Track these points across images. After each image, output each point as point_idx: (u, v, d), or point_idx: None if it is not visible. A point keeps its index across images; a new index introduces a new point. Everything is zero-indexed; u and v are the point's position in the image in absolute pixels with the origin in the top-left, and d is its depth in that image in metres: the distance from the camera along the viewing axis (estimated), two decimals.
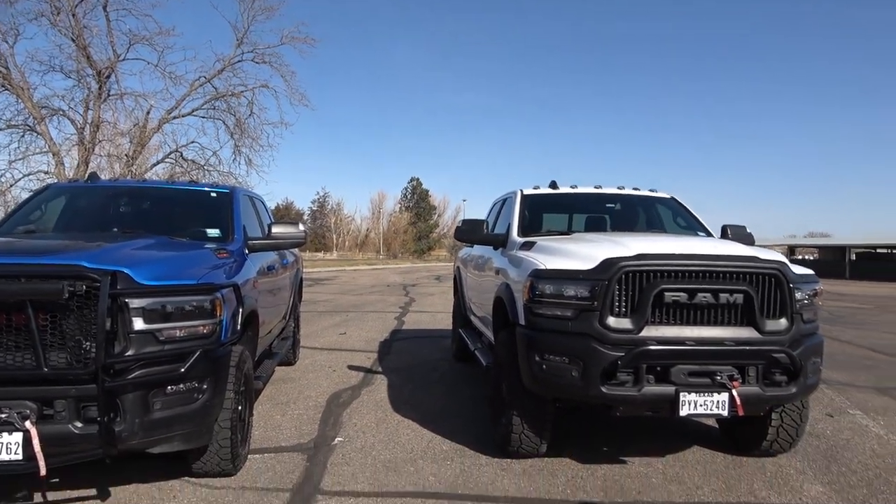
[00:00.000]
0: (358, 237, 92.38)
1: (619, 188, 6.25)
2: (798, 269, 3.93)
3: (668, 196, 6.19)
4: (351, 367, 7.36)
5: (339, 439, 4.71)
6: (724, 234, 5.32)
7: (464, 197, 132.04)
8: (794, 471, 4.18)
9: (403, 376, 6.97)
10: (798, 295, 3.76)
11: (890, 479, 4.03)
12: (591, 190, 6.22)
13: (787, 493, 3.81)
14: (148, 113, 20.99)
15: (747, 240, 5.07)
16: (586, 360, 3.67)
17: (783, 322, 3.70)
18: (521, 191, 6.08)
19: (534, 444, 4.14)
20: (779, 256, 3.91)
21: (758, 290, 3.67)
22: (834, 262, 48.95)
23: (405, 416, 5.33)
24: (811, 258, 58.90)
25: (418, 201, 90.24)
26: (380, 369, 7.38)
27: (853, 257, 48.73)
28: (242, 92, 21.94)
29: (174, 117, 21.65)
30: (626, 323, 3.67)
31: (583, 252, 4.02)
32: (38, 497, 3.52)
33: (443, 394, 6.18)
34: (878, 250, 52.02)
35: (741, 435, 4.45)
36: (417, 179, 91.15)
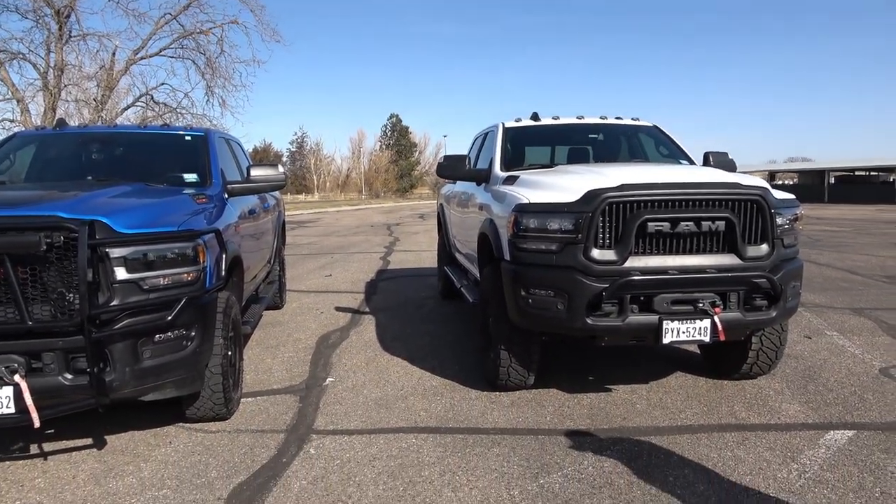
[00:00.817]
0: (339, 178, 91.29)
1: (601, 118, 6.16)
2: (779, 194, 3.94)
3: (650, 125, 6.12)
4: (338, 309, 7.40)
5: (331, 380, 4.78)
6: (707, 161, 5.30)
7: (445, 132, 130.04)
8: (773, 392, 4.33)
9: (391, 316, 7.04)
10: (779, 220, 3.79)
11: (864, 397, 4.19)
12: (574, 121, 6.12)
13: (766, 414, 3.95)
14: (114, 54, 20.22)
15: (729, 166, 5.06)
16: (571, 293, 3.70)
17: (764, 248, 3.74)
18: (503, 124, 5.98)
19: (521, 376, 4.22)
20: (761, 182, 3.91)
21: (740, 216, 3.68)
22: (813, 186, 49.44)
23: (394, 355, 5.40)
24: (791, 183, 59.44)
25: (398, 139, 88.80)
26: (367, 309, 7.44)
27: (832, 181, 49.20)
28: (211, 29, 21.14)
29: (141, 58, 20.89)
30: (610, 254, 3.69)
31: (566, 184, 3.99)
32: (34, 448, 3.56)
33: (430, 332, 6.26)
34: (857, 173, 52.56)
35: (722, 359, 4.58)
36: (397, 116, 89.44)
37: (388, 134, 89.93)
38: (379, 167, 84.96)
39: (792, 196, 4.05)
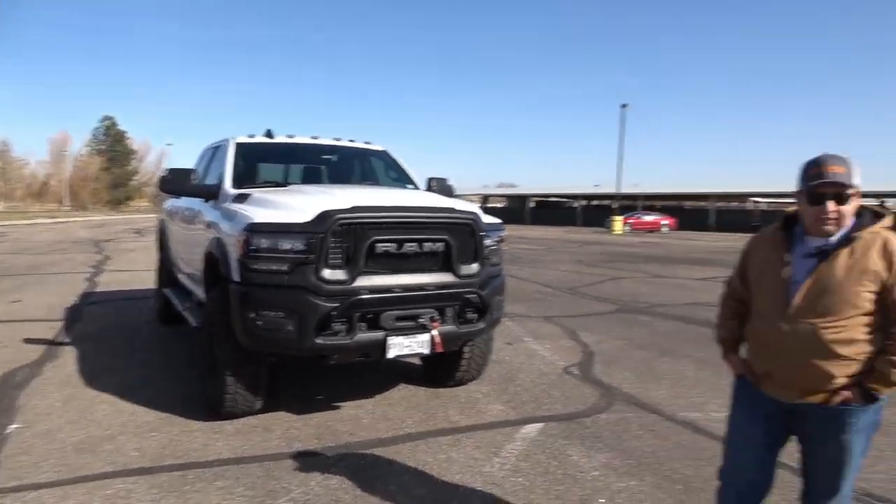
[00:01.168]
0: (34, 185, 77.66)
1: (335, 139, 6.30)
2: (487, 219, 4.48)
3: (381, 149, 6.44)
4: (28, 341, 6.27)
5: (16, 426, 4.03)
6: (430, 186, 5.77)
7: (168, 140, 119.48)
8: (480, 395, 4.87)
9: (98, 345, 6.21)
10: (487, 242, 4.30)
11: (551, 393, 4.95)
12: (308, 141, 6.15)
13: (475, 415, 4.42)
14: None
15: (448, 191, 5.59)
16: (302, 313, 3.71)
17: (475, 266, 4.20)
18: (234, 139, 5.74)
19: (249, 402, 4.08)
20: (472, 207, 4.41)
21: (455, 238, 4.09)
22: (517, 209, 57.01)
23: (101, 390, 4.77)
24: (501, 206, 67.75)
25: (113, 144, 79.04)
26: (67, 339, 6.44)
27: (532, 205, 57.29)
28: None
29: None
30: (340, 274, 3.78)
31: (299, 204, 3.99)
32: None
33: (146, 360, 5.68)
34: (551, 199, 62.13)
35: (439, 369, 5.01)
36: (112, 119, 79.65)
37: (101, 138, 79.49)
38: (87, 174, 74.50)
39: (498, 220, 4.64)
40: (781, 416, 2.18)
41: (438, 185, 5.70)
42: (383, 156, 6.38)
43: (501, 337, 6.83)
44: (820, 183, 2.00)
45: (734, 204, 55.92)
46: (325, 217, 3.75)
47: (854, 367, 2.03)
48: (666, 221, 42.20)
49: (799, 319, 2.05)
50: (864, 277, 1.99)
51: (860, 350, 2.03)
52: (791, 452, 2.35)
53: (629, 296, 10.26)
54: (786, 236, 2.17)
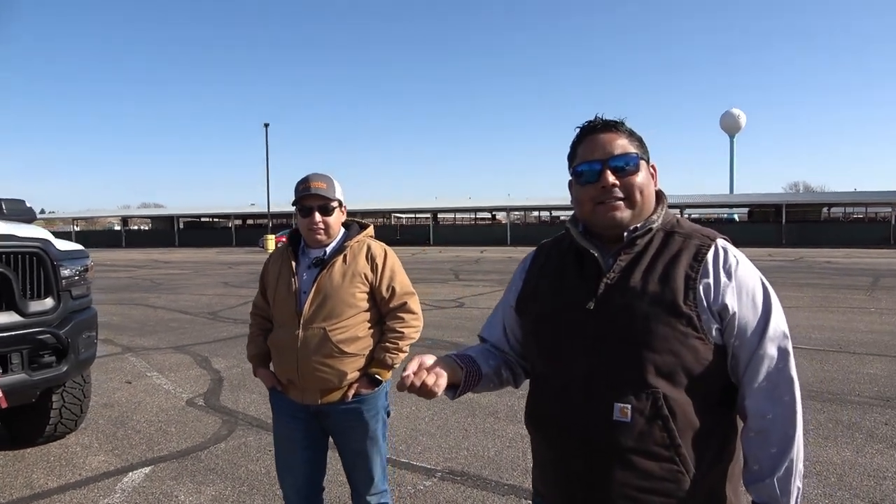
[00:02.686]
0: None
1: None
2: (65, 246, 3.88)
3: None
4: None
5: None
6: None
7: None
8: (80, 447, 4.19)
9: None
10: (65, 272, 3.71)
11: (168, 430, 4.53)
12: None
13: (68, 473, 3.77)
14: None
15: (28, 215, 4.69)
16: None
17: (49, 302, 3.59)
18: None
19: None
20: (42, 233, 3.75)
21: (16, 270, 3.42)
22: (165, 230, 52.40)
23: None
24: (146, 228, 61.41)
25: None
26: None
27: (181, 226, 53.31)
28: None
29: None
30: None
31: None
32: None
33: None
34: (202, 219, 58.72)
35: (23, 425, 4.16)
36: None
37: None
38: None
39: (79, 247, 4.04)
40: (312, 417, 2.34)
41: (10, 208, 4.74)
42: None
43: (120, 375, 6.08)
44: (306, 195, 2.23)
45: (380, 220, 61.01)
46: None
47: (361, 362, 2.30)
48: None
49: (310, 326, 2.24)
50: (357, 280, 2.27)
51: (365, 345, 2.30)
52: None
53: None
54: (293, 250, 2.36)
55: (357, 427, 2.30)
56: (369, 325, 2.31)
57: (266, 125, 38.00)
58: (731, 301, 1.20)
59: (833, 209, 47.95)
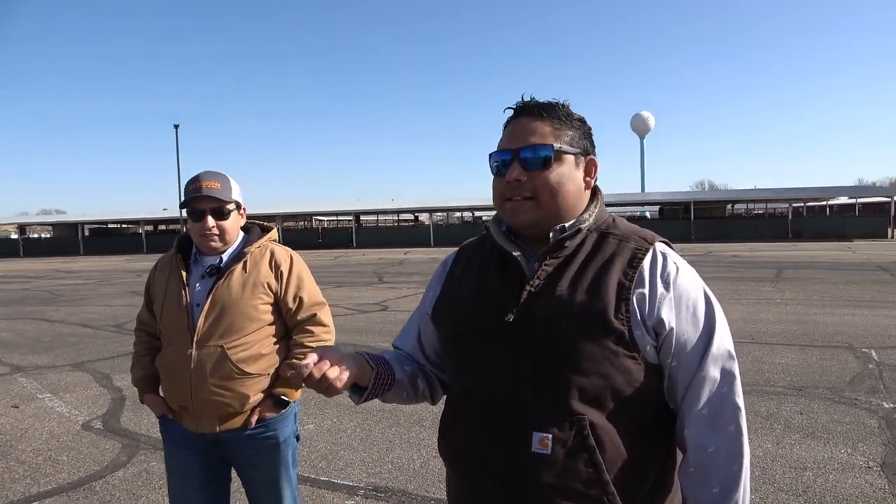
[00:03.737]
0: None
1: None
2: None
3: None
4: None
5: None
6: None
7: None
8: None
9: None
10: None
11: (59, 459, 4.08)
12: None
13: None
14: None
15: None
16: None
17: None
18: None
19: None
20: None
21: None
22: (69, 238, 49.03)
23: None
24: (47, 236, 57.28)
25: None
26: None
27: (86, 233, 50.07)
28: None
29: None
30: None
31: None
32: None
33: None
34: (110, 225, 55.39)
35: None
36: None
37: None
38: None
39: None
40: (210, 447, 2.06)
41: None
42: None
43: (6, 399, 5.50)
44: (196, 196, 1.97)
45: (301, 223, 59.51)
46: None
47: (265, 382, 2.04)
48: None
49: (205, 344, 1.97)
50: (259, 290, 2.02)
51: (269, 364, 2.05)
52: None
53: None
54: (183, 258, 2.09)
55: (263, 456, 2.05)
56: (274, 340, 2.06)
57: (176, 126, 36.11)
58: (668, 315, 1.05)
59: (736, 206, 50.92)
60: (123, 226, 55.61)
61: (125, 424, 4.76)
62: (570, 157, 1.14)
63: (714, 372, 1.06)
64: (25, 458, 4.12)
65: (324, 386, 1.05)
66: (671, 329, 1.05)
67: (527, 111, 1.16)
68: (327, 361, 1.06)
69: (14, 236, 52.78)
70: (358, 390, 1.18)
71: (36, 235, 59.16)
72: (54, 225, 55.97)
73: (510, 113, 1.19)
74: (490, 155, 1.17)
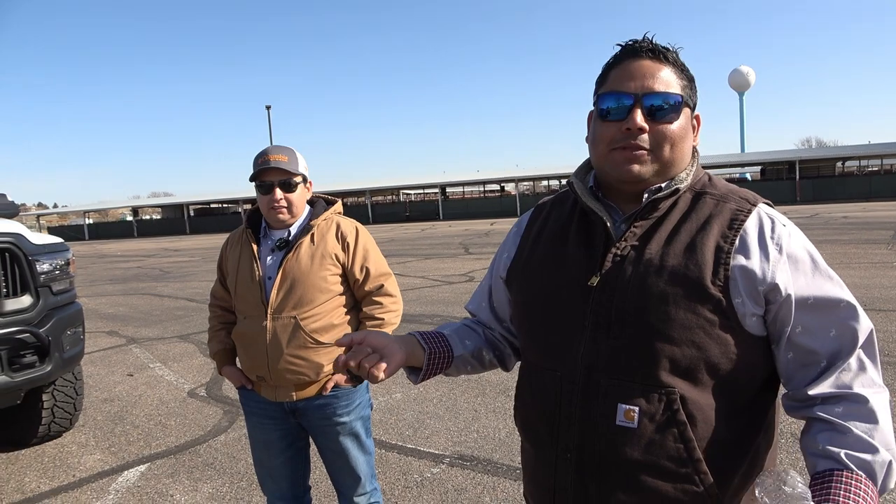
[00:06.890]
0: None
1: None
2: (41, 240, 3.68)
3: None
4: None
5: None
6: None
7: None
8: (76, 447, 4.05)
9: None
10: (44, 267, 3.52)
11: (167, 424, 4.38)
12: None
13: (62, 475, 3.63)
14: None
15: (8, 210, 4.50)
16: None
17: (27, 299, 3.41)
18: None
19: None
20: (14, 227, 3.56)
21: None
22: (176, 219, 52.49)
23: None
24: (157, 217, 61.55)
25: None
26: None
27: (192, 213, 53.37)
28: None
29: None
30: None
31: None
32: None
33: None
34: (212, 205, 58.74)
35: (15, 427, 4.02)
36: None
37: None
38: None
39: (58, 240, 3.84)
40: (289, 415, 2.12)
41: None
42: None
43: (123, 368, 5.95)
44: (265, 169, 1.98)
45: (389, 197, 60.64)
46: None
47: (338, 351, 2.04)
48: None
49: (279, 315, 2.00)
50: (327, 262, 2.02)
51: (341, 333, 2.05)
52: None
53: None
54: (253, 232, 2.11)
55: (335, 424, 2.08)
56: (345, 310, 2.08)
57: (268, 107, 37.54)
58: (785, 280, 0.93)
59: (848, 163, 46.88)
60: (224, 205, 58.82)
61: (227, 392, 5.04)
62: (688, 111, 1.03)
63: (848, 333, 0.94)
64: (139, 422, 4.46)
65: (363, 374, 1.02)
66: (788, 295, 0.93)
67: (648, 52, 1.01)
68: (368, 349, 1.03)
69: (129, 218, 57.18)
70: (415, 371, 1.15)
71: (147, 217, 63.77)
72: (163, 207, 59.97)
73: (619, 51, 1.04)
74: (600, 95, 1.03)
